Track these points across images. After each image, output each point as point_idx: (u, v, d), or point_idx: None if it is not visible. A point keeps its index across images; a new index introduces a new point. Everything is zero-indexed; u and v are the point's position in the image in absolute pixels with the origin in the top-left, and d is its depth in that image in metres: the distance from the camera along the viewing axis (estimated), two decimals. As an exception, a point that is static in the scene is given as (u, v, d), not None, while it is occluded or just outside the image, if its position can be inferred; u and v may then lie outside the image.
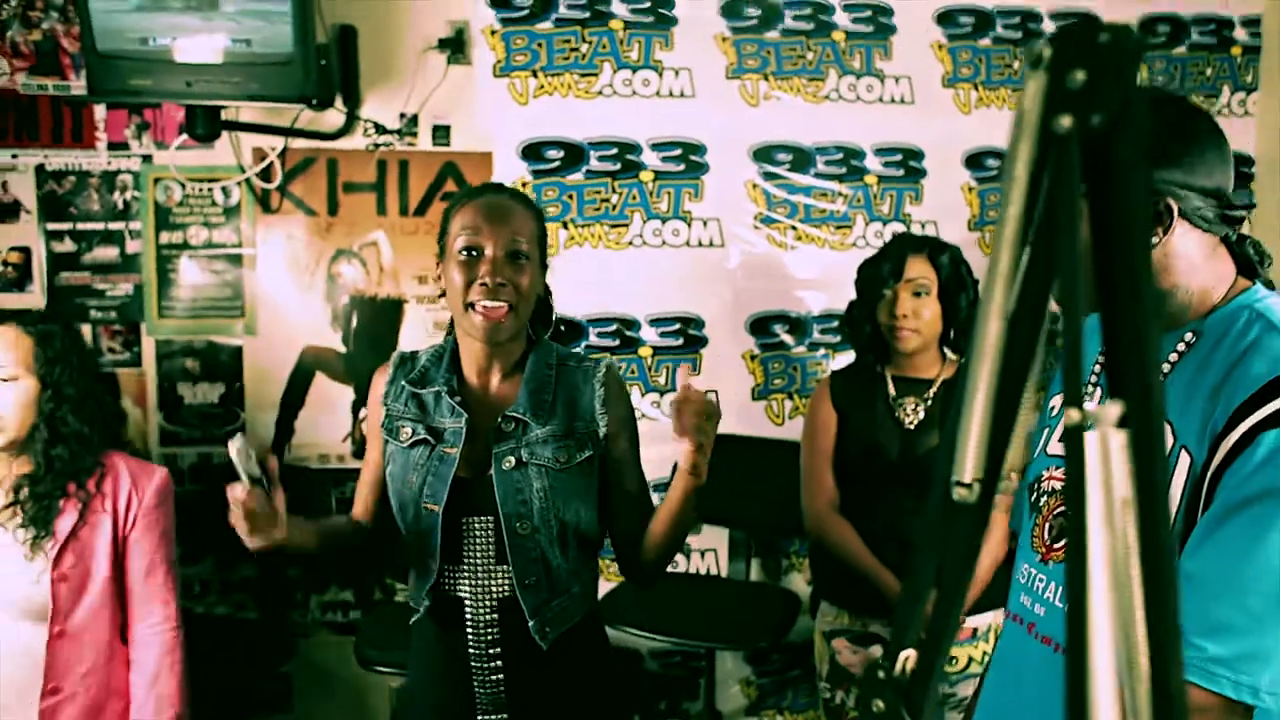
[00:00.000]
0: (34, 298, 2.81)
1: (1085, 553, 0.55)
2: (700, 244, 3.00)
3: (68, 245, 2.83)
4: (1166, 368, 1.13)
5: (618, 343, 2.98)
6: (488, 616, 1.52)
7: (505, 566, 1.51)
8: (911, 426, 2.20)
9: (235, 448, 1.40)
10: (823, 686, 2.28)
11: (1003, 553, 2.05)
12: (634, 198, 2.96)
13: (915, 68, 3.00)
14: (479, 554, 1.52)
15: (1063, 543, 1.24)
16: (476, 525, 1.52)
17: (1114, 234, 0.57)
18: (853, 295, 2.30)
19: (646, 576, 1.61)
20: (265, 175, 2.85)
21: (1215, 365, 1.09)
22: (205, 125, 2.60)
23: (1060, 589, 1.22)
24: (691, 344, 3.02)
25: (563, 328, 2.92)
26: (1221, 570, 1.01)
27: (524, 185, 2.90)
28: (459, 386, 1.57)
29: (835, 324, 3.01)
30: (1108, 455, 0.56)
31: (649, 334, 3.00)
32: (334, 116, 2.82)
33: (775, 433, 3.02)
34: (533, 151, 2.92)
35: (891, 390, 2.23)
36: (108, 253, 2.85)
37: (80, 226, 2.83)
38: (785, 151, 3.00)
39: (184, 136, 2.75)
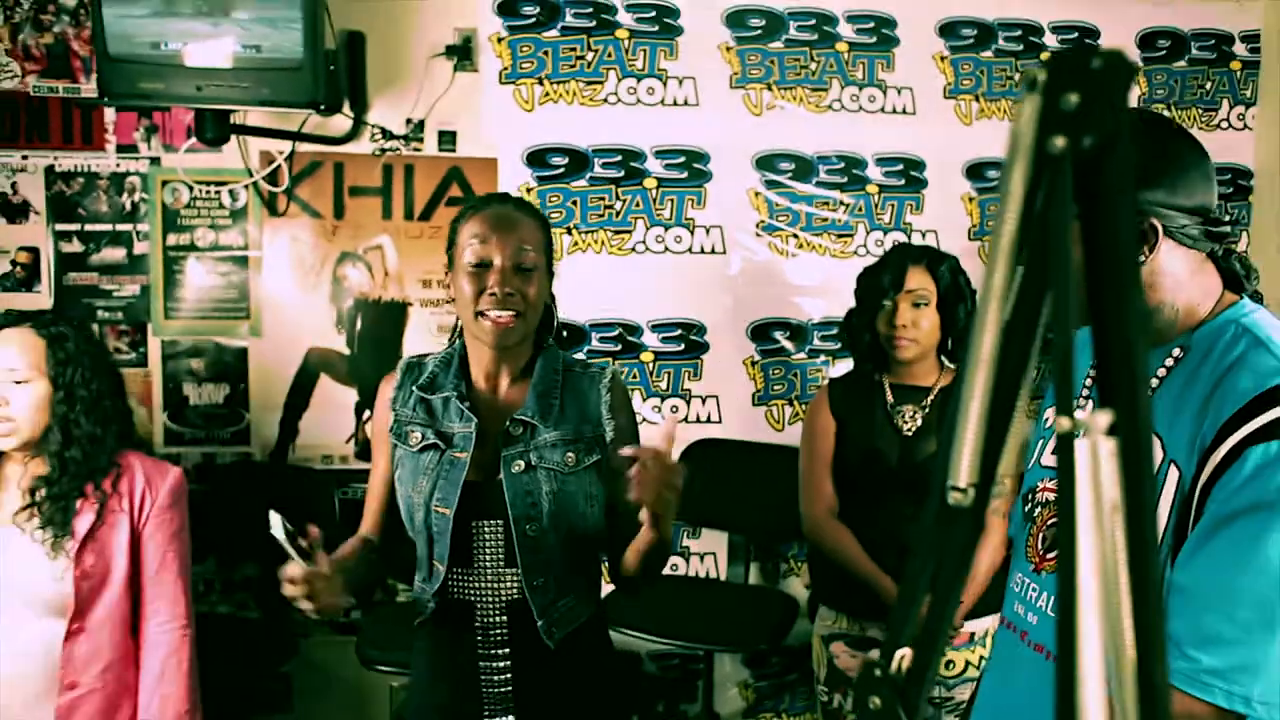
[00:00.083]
0: (42, 298, 2.84)
1: (1075, 554, 0.57)
2: (703, 251, 3.03)
3: (76, 246, 2.86)
4: (1155, 382, 1.15)
5: (620, 347, 3.01)
6: (497, 618, 1.54)
7: (514, 569, 1.53)
8: (909, 434, 2.22)
9: (277, 526, 1.38)
10: (820, 690, 2.30)
11: (1000, 558, 2.07)
12: (637, 204, 2.99)
13: (917, 79, 3.04)
14: (489, 557, 1.54)
15: (1055, 552, 1.26)
16: (486, 528, 1.54)
17: (1104, 250, 0.60)
18: (853, 303, 2.32)
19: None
20: (272, 179, 2.88)
21: (1202, 379, 1.11)
22: (214, 129, 2.63)
23: (1052, 598, 1.24)
24: (693, 349, 3.05)
25: (564, 333, 2.95)
26: (1212, 583, 1.03)
27: (528, 191, 2.93)
28: (468, 391, 1.59)
29: (835, 331, 3.04)
30: (1097, 461, 0.58)
31: (651, 339, 3.03)
32: (341, 121, 2.85)
33: (775, 438, 3.04)
34: (537, 158, 2.95)
35: (890, 398, 2.25)
36: (115, 254, 2.88)
37: (88, 227, 2.86)
38: (788, 160, 3.03)
39: (193, 140, 2.78)
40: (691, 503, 2.93)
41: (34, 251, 2.84)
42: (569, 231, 2.96)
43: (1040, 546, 1.30)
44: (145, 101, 2.61)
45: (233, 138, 2.77)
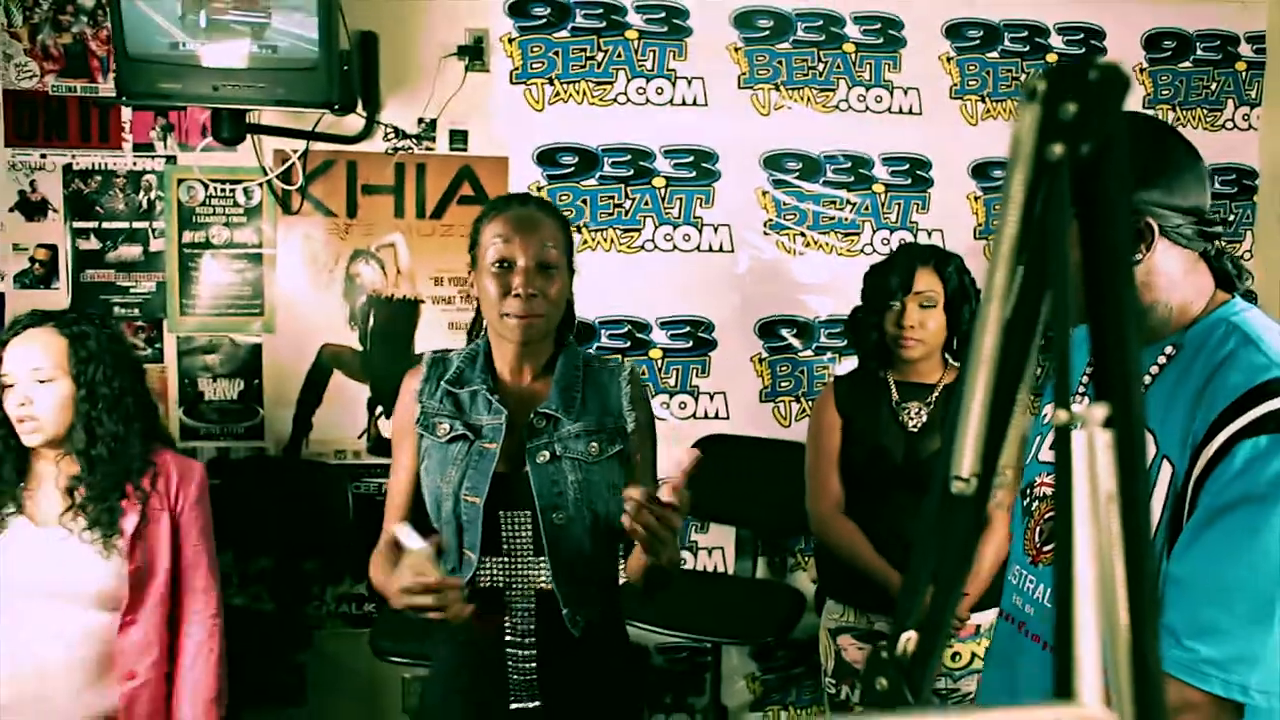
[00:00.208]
0: (59, 294, 2.88)
1: (1072, 542, 0.60)
2: (711, 249, 3.06)
3: (93, 243, 2.90)
4: (1148, 379, 1.18)
5: (628, 344, 3.04)
6: (525, 606, 1.57)
7: (542, 558, 1.56)
8: (915, 430, 2.25)
9: (409, 536, 1.39)
10: (827, 682, 2.34)
11: (1006, 552, 2.10)
12: (646, 203, 3.03)
13: (923, 79, 3.06)
14: (518, 546, 1.57)
15: (1052, 545, 1.29)
16: (514, 519, 1.57)
17: (1100, 252, 0.63)
18: (859, 301, 2.35)
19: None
20: (286, 177, 2.92)
21: (1194, 376, 1.14)
22: (230, 128, 2.67)
23: (1049, 590, 1.27)
24: (701, 347, 3.08)
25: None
26: (1208, 575, 1.06)
27: (539, 190, 2.97)
28: (495, 386, 1.62)
29: (842, 328, 3.07)
30: (1094, 453, 0.61)
31: (659, 336, 3.06)
32: (354, 120, 2.89)
33: (782, 434, 3.08)
34: (547, 157, 2.99)
35: (895, 395, 2.28)
36: (131, 251, 2.92)
37: (105, 225, 2.90)
38: (795, 160, 3.06)
39: (209, 138, 2.82)
40: (700, 498, 2.97)
41: (52, 249, 2.88)
42: (579, 230, 2.99)
43: (1037, 539, 1.33)
44: (163, 101, 2.65)
45: (247, 137, 2.81)
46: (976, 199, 3.12)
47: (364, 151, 2.93)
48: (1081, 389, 1.28)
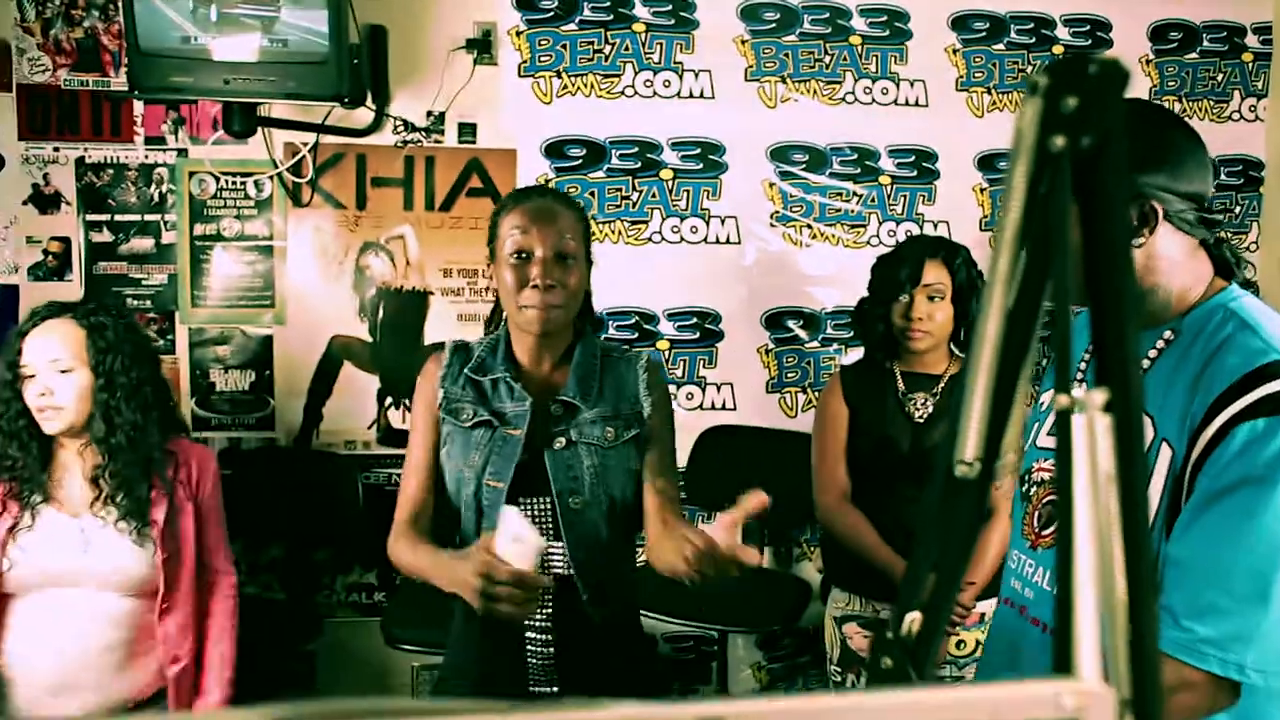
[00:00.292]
0: (73, 286, 2.91)
1: (1073, 522, 0.63)
2: (718, 241, 3.08)
3: (105, 236, 2.93)
4: (1146, 363, 1.20)
5: (636, 335, 3.07)
6: (543, 592, 1.59)
7: (560, 544, 1.58)
8: (921, 421, 2.26)
9: (518, 522, 1.30)
10: (833, 670, 2.36)
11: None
12: (654, 195, 3.04)
13: (929, 71, 3.08)
14: (540, 533, 1.59)
15: (1050, 530, 1.31)
16: (533, 505, 1.59)
17: (1099, 240, 0.65)
18: (865, 292, 2.36)
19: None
20: (296, 170, 2.94)
21: (1192, 360, 1.15)
22: (241, 122, 2.69)
23: (1048, 573, 1.29)
24: (708, 338, 3.10)
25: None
26: (1206, 556, 1.08)
27: (547, 182, 2.99)
28: (517, 374, 1.64)
29: (848, 320, 3.08)
30: (1094, 436, 0.63)
31: (666, 327, 3.08)
32: (364, 114, 2.91)
33: (788, 425, 3.10)
34: (555, 149, 3.01)
35: (901, 385, 2.29)
36: (144, 243, 2.95)
37: (118, 218, 2.93)
38: (801, 152, 3.07)
39: (220, 132, 2.84)
40: (706, 488, 3.01)
41: (65, 241, 2.91)
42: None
43: (1036, 524, 1.35)
44: (174, 95, 2.68)
45: (258, 130, 2.83)
46: (982, 191, 3.13)
47: (373, 144, 2.96)
48: (1079, 374, 1.30)
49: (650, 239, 3.05)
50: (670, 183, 3.05)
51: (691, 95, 3.03)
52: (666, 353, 3.09)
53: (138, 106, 2.88)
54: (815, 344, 3.14)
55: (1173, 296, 1.21)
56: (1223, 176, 3.23)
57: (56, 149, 2.88)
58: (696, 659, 3.18)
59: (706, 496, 2.98)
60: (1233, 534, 1.06)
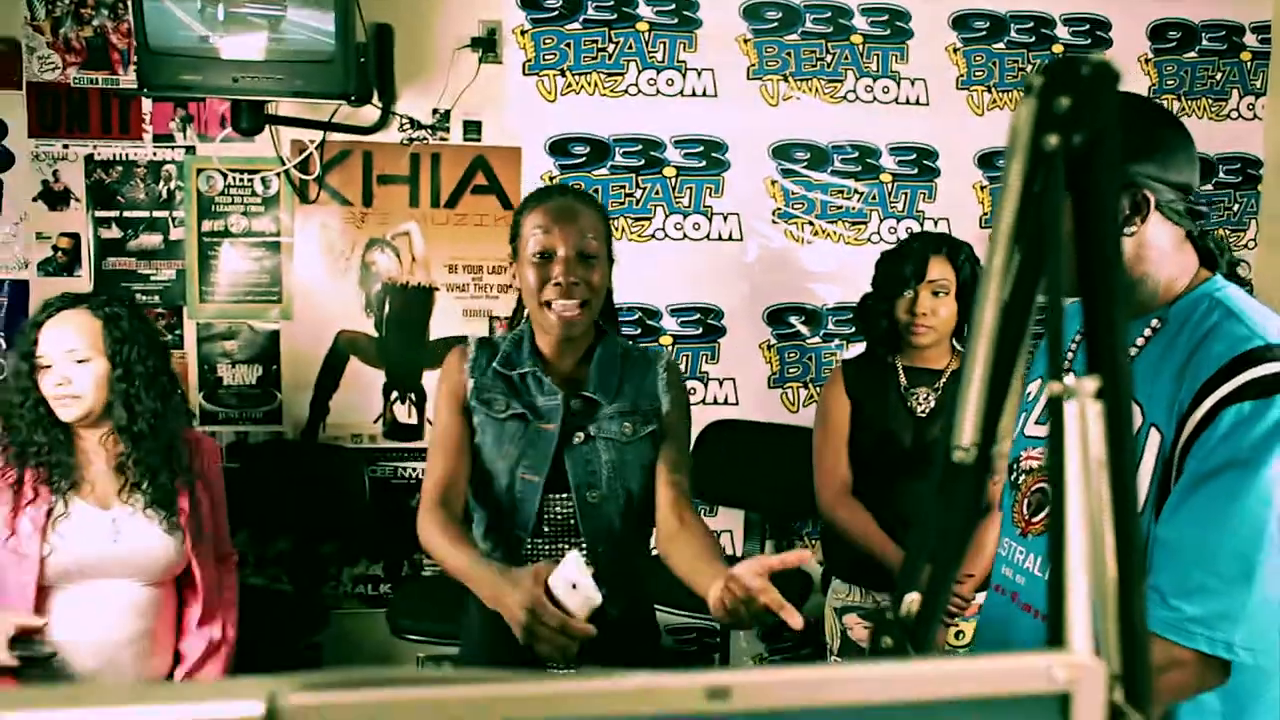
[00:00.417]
0: (82, 282, 2.94)
1: (1065, 505, 0.66)
2: (720, 238, 3.11)
3: (114, 232, 2.96)
4: (1134, 350, 1.23)
5: (639, 331, 3.09)
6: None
7: (579, 539, 1.61)
8: (923, 415, 2.28)
9: (577, 568, 1.26)
10: (833, 661, 2.39)
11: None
12: (657, 193, 3.07)
13: (930, 70, 3.10)
14: (558, 527, 1.62)
15: (1040, 517, 1.34)
16: (555, 500, 1.61)
17: (1091, 234, 0.68)
18: (867, 289, 2.38)
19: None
20: (303, 167, 2.97)
21: (1179, 348, 1.19)
22: (249, 119, 2.72)
23: (1039, 559, 1.32)
24: (710, 333, 3.13)
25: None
26: (1194, 537, 1.11)
27: (551, 179, 3.01)
28: (544, 370, 1.65)
29: (849, 316, 3.11)
30: (1085, 422, 0.66)
31: (669, 323, 3.11)
32: (370, 111, 2.94)
33: (790, 419, 3.13)
34: (560, 147, 3.04)
35: (903, 380, 2.31)
36: (152, 239, 2.98)
37: (127, 214, 2.96)
38: (803, 150, 3.10)
39: (228, 129, 2.87)
40: (709, 482, 3.03)
41: (75, 237, 2.94)
42: (590, 219, 3.04)
43: (1026, 511, 1.37)
44: (183, 93, 2.70)
45: (265, 127, 2.86)
46: (983, 188, 3.16)
47: (379, 142, 2.99)
48: (1067, 362, 1.32)
49: (653, 236, 3.08)
50: (673, 180, 3.08)
51: (694, 93, 3.06)
52: (670, 348, 3.12)
53: (146, 104, 2.91)
54: (816, 340, 3.17)
55: (1160, 286, 1.25)
56: (1221, 174, 3.26)
57: (66, 146, 2.91)
58: (699, 651, 3.21)
59: (709, 490, 3.01)
60: (1219, 515, 1.09)
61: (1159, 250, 1.23)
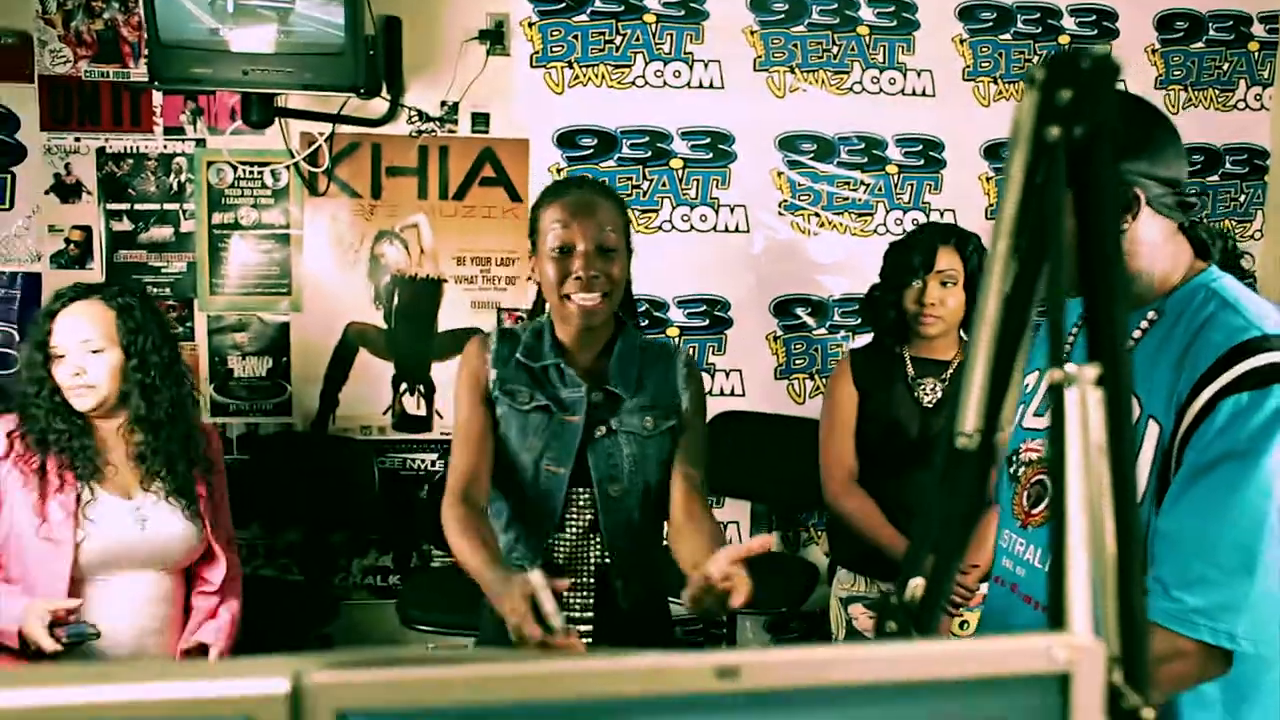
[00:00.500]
0: (94, 274, 2.96)
1: (1066, 490, 0.67)
2: (727, 229, 3.12)
3: (126, 224, 2.98)
4: (1131, 343, 1.24)
5: (646, 323, 3.11)
6: (585, 581, 1.63)
7: (600, 534, 1.62)
8: (930, 405, 2.29)
9: (537, 584, 1.27)
10: (839, 649, 2.39)
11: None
12: (664, 184, 3.09)
13: (936, 61, 3.11)
14: (579, 521, 1.63)
15: (1039, 509, 1.35)
16: (578, 494, 1.63)
17: (1092, 223, 0.69)
18: (873, 280, 2.39)
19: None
20: (313, 159, 2.99)
21: (1176, 340, 1.20)
22: (259, 112, 2.74)
23: (1039, 551, 1.33)
24: (717, 325, 3.15)
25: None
26: (1194, 529, 1.12)
27: (559, 171, 3.03)
28: (568, 361, 1.65)
29: (855, 307, 3.12)
30: (1086, 408, 0.68)
31: (676, 314, 3.13)
32: (379, 104, 2.95)
33: (796, 411, 3.14)
34: (567, 139, 3.05)
35: (910, 370, 2.32)
36: (163, 232, 3.00)
37: (138, 207, 2.97)
38: (810, 141, 3.11)
39: (238, 122, 2.89)
40: (715, 473, 3.03)
41: (87, 230, 2.96)
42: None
43: (1025, 503, 1.38)
44: (194, 86, 2.72)
45: (275, 120, 2.87)
46: (989, 180, 3.16)
47: (388, 134, 3.00)
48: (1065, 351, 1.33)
49: (660, 227, 3.10)
50: (680, 172, 3.09)
51: (701, 85, 3.06)
52: (677, 339, 3.13)
53: (157, 97, 2.93)
54: (823, 331, 3.18)
55: (1155, 279, 1.25)
56: (1228, 165, 3.26)
57: (78, 139, 2.93)
58: (706, 641, 3.23)
59: (715, 481, 2.99)
60: (1219, 507, 1.10)
61: (1151, 245, 1.24)
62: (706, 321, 3.15)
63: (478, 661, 0.53)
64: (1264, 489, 1.09)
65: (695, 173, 3.09)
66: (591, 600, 1.63)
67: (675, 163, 3.08)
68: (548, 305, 1.67)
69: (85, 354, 1.87)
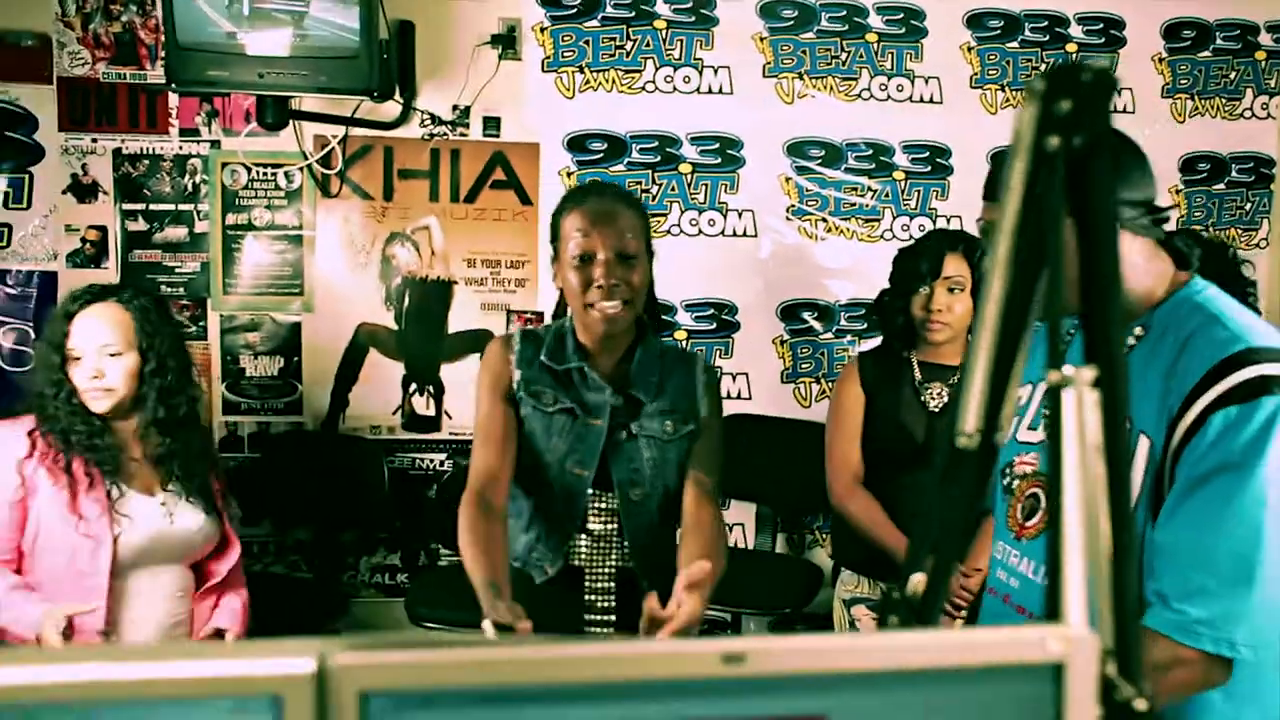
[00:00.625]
0: (109, 274, 2.99)
1: (1063, 488, 0.69)
2: (735, 234, 3.14)
3: (141, 224, 3.01)
4: None
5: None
6: (607, 584, 1.65)
7: (622, 536, 1.64)
8: (936, 410, 2.30)
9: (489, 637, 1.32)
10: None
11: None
12: (673, 189, 3.11)
13: (944, 69, 3.13)
14: (603, 524, 1.65)
15: (1033, 521, 1.36)
16: (598, 496, 1.65)
17: (1090, 230, 0.71)
18: (880, 285, 2.40)
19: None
20: (326, 161, 3.02)
21: (1163, 354, 1.21)
22: (274, 114, 2.77)
23: (1033, 563, 1.34)
24: (724, 328, 3.17)
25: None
26: (1190, 541, 1.14)
27: (569, 175, 3.06)
28: (591, 365, 1.67)
29: (862, 312, 3.14)
30: (1083, 410, 0.70)
31: (684, 318, 3.15)
32: (391, 107, 2.98)
33: (802, 414, 3.16)
34: (577, 143, 3.07)
35: (918, 374, 2.33)
36: (177, 232, 3.03)
37: (153, 207, 3.01)
38: (818, 147, 3.13)
39: (253, 124, 2.92)
40: (723, 475, 3.04)
41: (102, 230, 3.00)
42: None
43: (1020, 515, 1.39)
44: (210, 88, 2.75)
45: (289, 122, 2.91)
46: (996, 186, 3.18)
47: (401, 137, 3.03)
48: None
49: (669, 231, 3.12)
50: (689, 176, 3.11)
51: (710, 91, 3.09)
52: (684, 343, 3.15)
53: (173, 99, 2.97)
54: (829, 335, 3.20)
55: (1139, 296, 1.27)
56: (1234, 174, 3.27)
57: (95, 140, 2.97)
58: (710, 642, 3.24)
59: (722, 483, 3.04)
60: (1215, 519, 1.12)
61: (1130, 265, 1.25)
62: (714, 325, 3.17)
63: (498, 645, 0.56)
64: (1259, 499, 1.11)
65: (704, 177, 3.12)
66: (613, 602, 1.65)
67: (684, 167, 3.11)
68: (569, 308, 1.68)
69: (104, 358, 1.88)
